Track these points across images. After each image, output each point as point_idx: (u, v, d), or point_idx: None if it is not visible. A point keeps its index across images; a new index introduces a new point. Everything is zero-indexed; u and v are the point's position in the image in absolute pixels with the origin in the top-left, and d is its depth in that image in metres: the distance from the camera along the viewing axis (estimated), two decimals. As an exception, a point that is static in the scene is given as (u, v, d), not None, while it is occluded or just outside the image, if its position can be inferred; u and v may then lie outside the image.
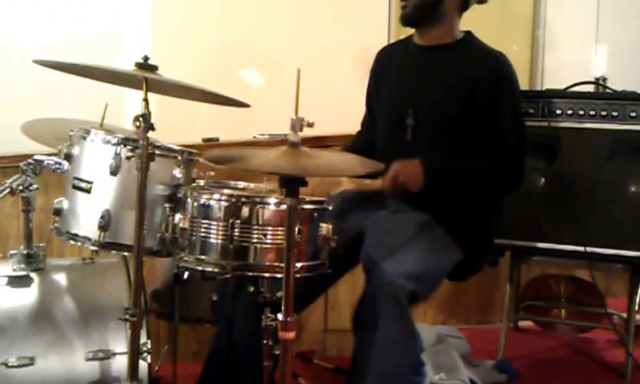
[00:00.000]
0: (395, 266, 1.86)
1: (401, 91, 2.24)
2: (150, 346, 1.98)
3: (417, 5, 2.16)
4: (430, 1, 2.16)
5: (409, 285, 1.84)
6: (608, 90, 2.80)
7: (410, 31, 2.29)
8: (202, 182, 2.01)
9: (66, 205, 1.95)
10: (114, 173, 1.86)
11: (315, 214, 1.73)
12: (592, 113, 2.65)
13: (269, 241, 1.68)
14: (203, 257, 1.72)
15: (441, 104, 2.14)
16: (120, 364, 1.93)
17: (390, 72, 2.30)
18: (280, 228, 1.67)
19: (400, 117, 2.19)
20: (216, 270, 1.71)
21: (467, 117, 2.11)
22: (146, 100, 1.77)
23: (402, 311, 1.83)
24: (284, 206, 1.54)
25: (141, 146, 1.75)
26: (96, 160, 1.90)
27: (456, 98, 2.12)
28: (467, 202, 2.13)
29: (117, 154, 1.86)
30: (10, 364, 1.87)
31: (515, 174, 2.14)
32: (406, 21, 2.21)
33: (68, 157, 1.95)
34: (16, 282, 2.01)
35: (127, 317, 1.77)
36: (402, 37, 2.37)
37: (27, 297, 2.00)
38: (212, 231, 1.70)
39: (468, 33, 2.24)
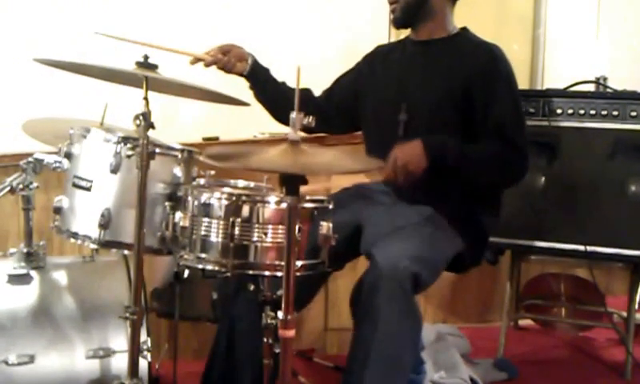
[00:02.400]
0: (398, 247, 1.85)
1: (393, 86, 2.23)
2: (150, 344, 1.98)
3: (404, 7, 2.17)
4: (417, 0, 2.16)
5: (412, 266, 1.82)
6: (608, 90, 2.80)
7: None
8: (202, 181, 2.02)
9: (66, 203, 1.95)
10: (114, 171, 1.86)
11: (315, 213, 1.73)
12: (592, 112, 2.65)
13: (269, 239, 1.68)
14: (203, 255, 1.72)
15: (434, 99, 2.13)
16: (120, 362, 1.93)
17: (385, 67, 2.30)
18: (280, 226, 1.67)
19: (392, 112, 2.18)
20: (216, 268, 1.71)
21: (463, 112, 2.10)
22: (146, 99, 1.77)
23: (404, 294, 1.80)
24: (284, 205, 1.54)
25: (141, 145, 1.75)
26: (96, 158, 1.90)
27: (450, 92, 2.11)
28: (465, 194, 2.13)
29: (117, 153, 1.86)
30: (10, 362, 1.87)
31: (517, 164, 2.12)
32: (397, 24, 2.24)
33: (68, 155, 1.95)
34: (16, 280, 2.01)
35: (127, 315, 1.77)
36: (402, 36, 2.38)
37: (27, 295, 2.00)
38: (212, 230, 1.70)
39: (464, 28, 2.23)
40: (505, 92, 2.12)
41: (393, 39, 3.05)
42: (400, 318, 1.81)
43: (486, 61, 2.12)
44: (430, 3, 2.17)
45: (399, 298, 1.80)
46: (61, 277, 2.08)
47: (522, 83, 3.51)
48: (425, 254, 1.90)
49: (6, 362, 1.87)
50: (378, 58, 2.35)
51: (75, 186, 1.92)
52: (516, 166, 2.12)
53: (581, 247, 2.61)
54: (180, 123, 2.86)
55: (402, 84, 2.21)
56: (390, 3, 2.21)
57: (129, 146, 1.85)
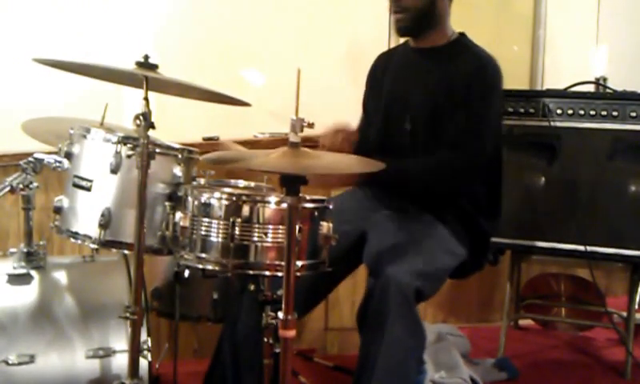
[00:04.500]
0: (401, 264, 1.87)
1: (398, 95, 2.23)
2: (150, 344, 1.98)
3: (416, 16, 2.13)
4: (426, 10, 2.13)
5: (415, 282, 1.85)
6: (608, 90, 2.80)
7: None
8: (202, 181, 2.02)
9: (66, 203, 1.95)
10: (114, 171, 1.87)
11: (316, 213, 1.73)
12: (592, 113, 2.65)
13: (269, 239, 1.68)
14: (204, 255, 1.72)
15: (434, 108, 2.12)
16: (120, 362, 1.93)
17: (387, 77, 2.29)
18: (281, 226, 1.67)
19: (398, 121, 2.18)
20: (217, 268, 1.71)
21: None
22: (146, 99, 1.77)
23: (409, 309, 1.84)
24: (285, 205, 1.54)
25: (141, 145, 1.75)
26: (96, 158, 1.90)
27: (448, 100, 2.10)
28: (465, 202, 2.13)
29: (117, 153, 1.86)
30: (10, 362, 1.88)
31: (445, 176, 2.09)
32: (404, 32, 2.19)
33: (68, 155, 1.95)
34: (16, 279, 2.02)
35: (127, 315, 1.77)
36: (401, 40, 2.36)
37: (27, 295, 2.00)
38: (213, 229, 1.70)
39: (462, 34, 2.22)
40: (477, 104, 2.07)
41: (393, 43, 3.05)
42: (404, 334, 1.83)
43: (472, 70, 2.09)
44: (436, 11, 2.14)
45: (404, 315, 1.83)
46: (61, 277, 2.08)
47: (522, 83, 3.54)
48: (428, 269, 1.94)
49: (6, 362, 1.87)
50: (380, 71, 2.34)
51: (75, 185, 1.92)
52: (442, 178, 2.09)
53: (581, 247, 2.62)
54: (180, 123, 2.86)
55: (405, 94, 2.20)
56: (396, 12, 2.15)
57: (129, 145, 1.86)
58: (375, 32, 3.17)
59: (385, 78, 2.30)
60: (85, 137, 1.93)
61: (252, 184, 2.09)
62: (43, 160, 2.05)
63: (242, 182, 2.12)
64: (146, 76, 1.75)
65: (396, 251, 1.93)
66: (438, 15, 2.16)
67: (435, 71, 2.16)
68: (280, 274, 1.61)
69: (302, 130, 1.53)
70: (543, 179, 2.69)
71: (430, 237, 2.03)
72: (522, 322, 3.35)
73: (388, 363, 1.81)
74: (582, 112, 2.66)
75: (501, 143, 2.23)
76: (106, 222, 1.86)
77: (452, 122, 2.08)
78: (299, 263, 1.66)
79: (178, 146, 1.99)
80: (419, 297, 1.88)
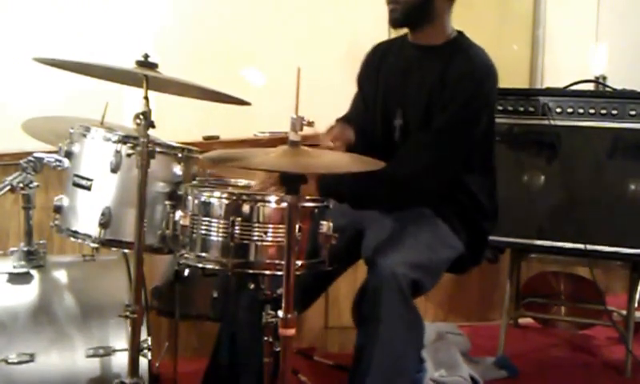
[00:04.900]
0: (398, 256, 1.87)
1: (391, 90, 2.21)
2: (150, 343, 1.98)
3: (405, 9, 2.11)
4: (419, 4, 2.11)
5: (412, 274, 1.84)
6: (608, 89, 2.80)
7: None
8: (202, 180, 2.02)
9: (66, 202, 1.95)
10: (114, 170, 1.87)
11: (316, 212, 1.73)
12: (592, 111, 2.65)
13: (269, 238, 1.68)
14: (204, 254, 1.72)
15: (426, 106, 2.10)
16: (120, 361, 1.93)
17: (384, 70, 2.27)
18: (280, 225, 1.67)
19: (388, 116, 2.18)
20: (216, 267, 1.71)
21: None
22: (146, 98, 1.77)
23: (404, 301, 1.82)
24: (285, 204, 1.55)
25: (141, 144, 1.75)
26: (96, 157, 1.90)
27: (439, 100, 2.09)
28: (465, 199, 2.13)
29: (117, 152, 1.87)
30: (10, 360, 1.88)
31: (404, 171, 2.02)
32: (395, 24, 2.17)
33: (68, 154, 1.96)
34: (16, 279, 2.02)
35: (128, 313, 1.78)
36: (401, 32, 2.36)
37: (27, 294, 2.00)
38: (213, 229, 1.71)
39: (460, 33, 2.21)
40: (457, 105, 2.04)
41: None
42: (401, 326, 1.82)
43: (465, 72, 2.06)
44: (432, 7, 2.12)
45: (400, 305, 1.82)
46: (61, 275, 2.08)
47: (522, 82, 3.55)
48: (424, 260, 1.93)
49: (6, 361, 1.87)
50: (376, 57, 2.31)
51: (75, 184, 1.93)
52: (401, 174, 2.02)
53: (580, 246, 2.62)
54: (180, 122, 2.87)
55: (399, 89, 2.18)
56: (389, 3, 2.14)
57: (129, 144, 1.86)
58: (375, 32, 3.15)
59: (381, 70, 2.28)
60: (85, 136, 1.94)
61: (252, 183, 2.09)
62: (43, 159, 2.06)
63: (242, 181, 2.12)
64: (145, 75, 1.76)
65: (392, 243, 1.93)
66: (435, 12, 2.13)
67: (430, 70, 2.15)
68: (280, 272, 1.62)
69: (301, 129, 1.53)
70: (543, 178, 2.69)
71: (427, 230, 2.03)
72: (521, 321, 3.35)
73: (384, 359, 1.80)
74: (581, 111, 2.66)
75: (492, 147, 2.21)
76: (106, 220, 1.86)
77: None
78: (299, 262, 1.66)
79: (177, 145, 2.00)
80: (416, 289, 1.86)
